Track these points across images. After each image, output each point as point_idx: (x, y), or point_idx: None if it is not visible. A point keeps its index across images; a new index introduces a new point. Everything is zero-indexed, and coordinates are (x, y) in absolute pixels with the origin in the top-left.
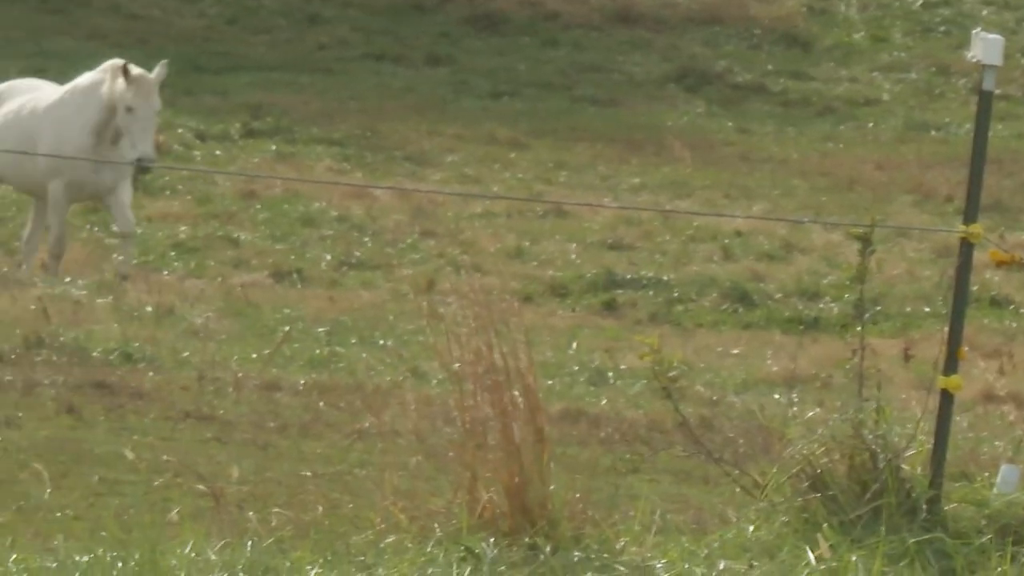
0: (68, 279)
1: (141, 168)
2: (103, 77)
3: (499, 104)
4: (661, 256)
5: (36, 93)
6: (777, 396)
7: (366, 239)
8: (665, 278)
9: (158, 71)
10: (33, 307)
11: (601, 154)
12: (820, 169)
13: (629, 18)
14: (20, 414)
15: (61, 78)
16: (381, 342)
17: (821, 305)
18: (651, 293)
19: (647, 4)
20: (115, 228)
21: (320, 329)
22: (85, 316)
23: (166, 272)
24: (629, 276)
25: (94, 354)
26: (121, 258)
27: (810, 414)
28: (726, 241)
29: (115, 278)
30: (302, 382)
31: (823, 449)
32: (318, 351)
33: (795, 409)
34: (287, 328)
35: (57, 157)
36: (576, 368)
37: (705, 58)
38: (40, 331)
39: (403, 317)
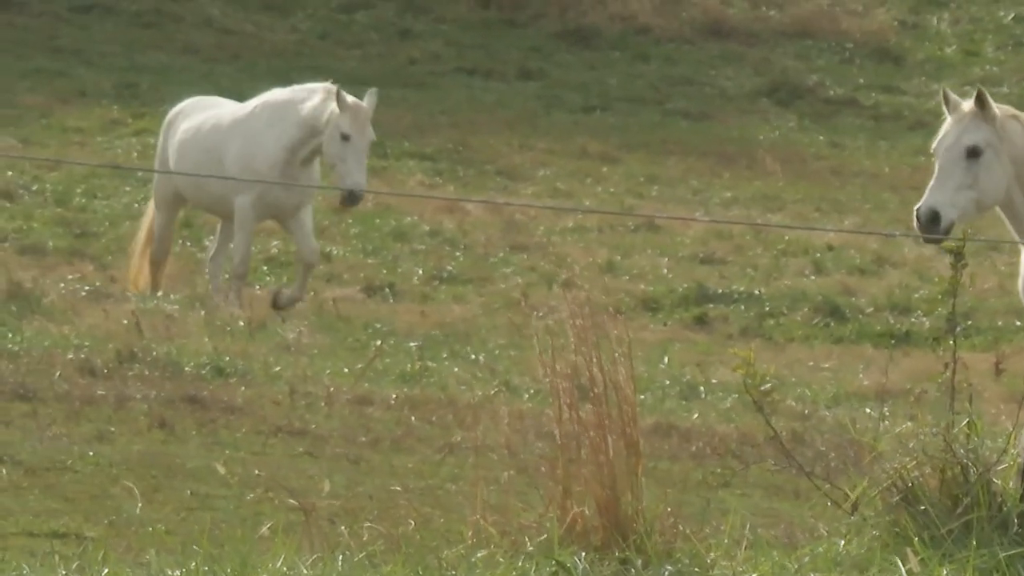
0: (160, 293)
1: (351, 198)
2: (303, 96)
3: (590, 118)
4: (752, 270)
5: (217, 110)
6: (868, 410)
7: (458, 253)
8: (756, 292)
9: (369, 100)
10: (126, 321)
11: (693, 168)
12: (911, 183)
13: (721, 32)
14: (112, 428)
15: (154, 92)
16: (472, 356)
17: (912, 319)
18: (742, 307)
19: (739, 18)
20: (298, 255)
21: (412, 343)
22: (177, 330)
23: (258, 287)
24: (720, 290)
25: (186, 368)
26: (295, 284)
27: (901, 428)
28: (818, 255)
29: (283, 301)
30: (394, 396)
31: (914, 463)
32: (409, 365)
33: (886, 423)
34: (379, 342)
35: (246, 174)
36: (667, 382)
37: (797, 72)
38: (133, 345)
39: (495, 331)
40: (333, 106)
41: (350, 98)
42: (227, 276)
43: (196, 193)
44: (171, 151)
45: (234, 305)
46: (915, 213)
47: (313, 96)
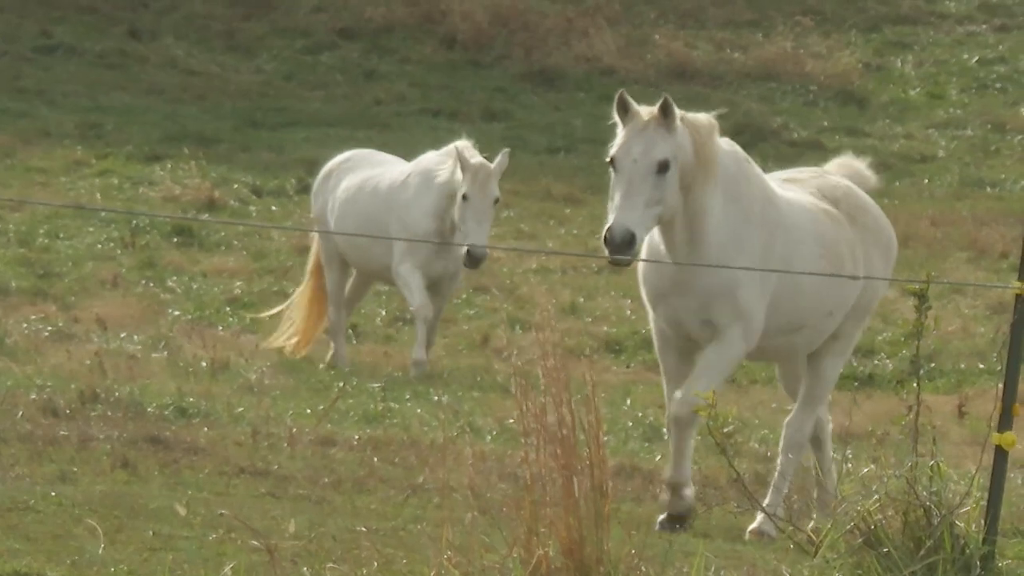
0: (123, 334)
1: (471, 259)
2: (444, 159)
3: (555, 159)
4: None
5: (376, 171)
6: (832, 453)
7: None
8: None
9: (500, 160)
10: (89, 362)
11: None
12: None
13: (685, 74)
14: (75, 469)
15: (118, 133)
16: (435, 398)
17: (876, 361)
18: None
19: (703, 60)
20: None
21: (375, 384)
22: (140, 371)
23: (221, 327)
24: None
25: (149, 409)
26: (421, 344)
27: (865, 470)
28: None
29: (413, 367)
30: (356, 437)
31: (877, 505)
32: (372, 406)
33: (849, 465)
34: (342, 384)
35: (408, 245)
36: (631, 424)
37: (761, 114)
38: (96, 386)
39: (457, 373)
40: (458, 168)
41: (475, 158)
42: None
43: (356, 257)
44: (330, 208)
45: (421, 367)
46: (606, 233)
47: (450, 159)
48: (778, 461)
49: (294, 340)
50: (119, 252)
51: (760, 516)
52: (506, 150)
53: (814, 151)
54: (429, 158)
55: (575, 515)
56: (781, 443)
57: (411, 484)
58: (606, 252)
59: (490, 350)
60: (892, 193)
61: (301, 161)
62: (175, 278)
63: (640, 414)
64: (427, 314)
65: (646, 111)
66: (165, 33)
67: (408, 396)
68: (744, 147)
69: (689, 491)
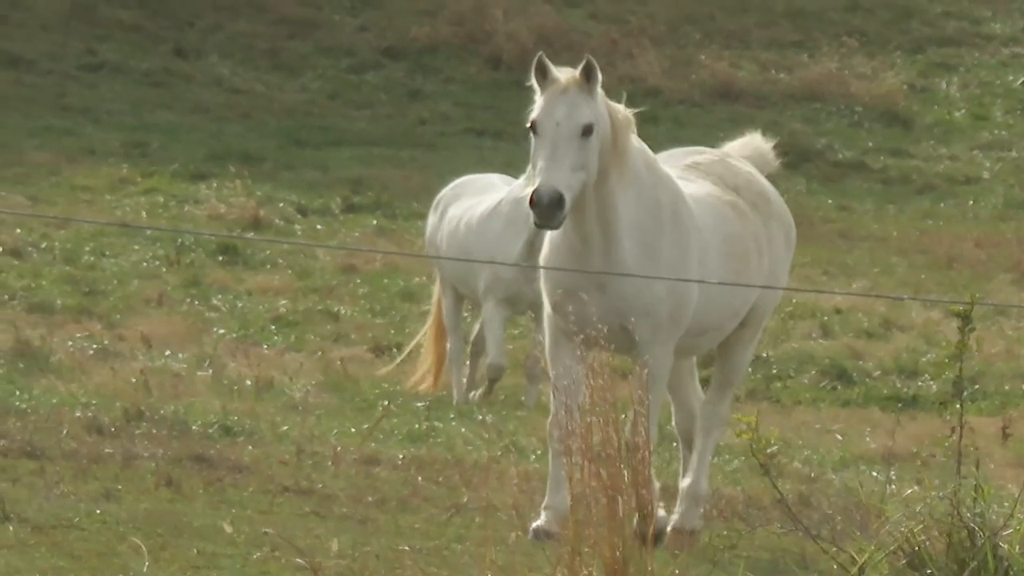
0: (168, 352)
1: None
2: None
3: None
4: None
5: (478, 198)
6: (875, 473)
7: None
8: (764, 355)
9: None
10: (134, 380)
11: None
12: (919, 247)
13: (730, 95)
14: (119, 487)
15: (163, 151)
16: (479, 417)
17: (919, 383)
18: (750, 370)
19: (748, 81)
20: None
21: (419, 404)
22: (185, 389)
23: (266, 346)
24: None
25: (193, 427)
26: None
27: (908, 492)
28: (825, 318)
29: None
30: (401, 456)
31: (921, 527)
32: (417, 426)
33: (893, 487)
34: (386, 402)
35: (491, 276)
36: (674, 444)
37: (806, 135)
38: (140, 404)
39: (501, 391)
40: None
41: None
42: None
43: (464, 288)
44: (440, 239)
45: (470, 401)
46: (533, 195)
47: None
48: (696, 442)
49: (429, 380)
50: (164, 270)
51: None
52: None
53: (858, 172)
54: (522, 182)
55: (619, 535)
56: (699, 424)
57: (455, 503)
58: (532, 215)
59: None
60: (937, 214)
61: (345, 180)
62: (220, 296)
63: None
64: (497, 376)
65: (566, 74)
66: (210, 52)
67: (452, 415)
68: (788, 168)
69: (661, 513)
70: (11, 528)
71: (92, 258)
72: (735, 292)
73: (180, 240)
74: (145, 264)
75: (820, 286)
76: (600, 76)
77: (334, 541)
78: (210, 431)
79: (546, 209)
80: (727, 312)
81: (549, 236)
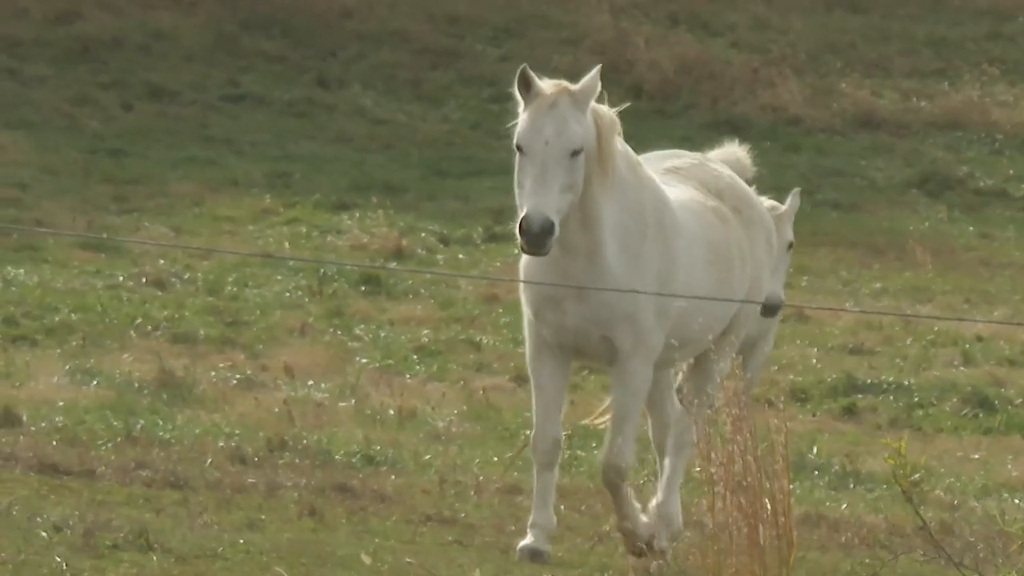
0: (311, 382)
1: (767, 310)
2: None
3: None
4: (902, 361)
5: None
6: (1017, 501)
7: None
8: (906, 383)
9: (791, 201)
10: (277, 410)
11: (842, 259)
12: None
13: (871, 123)
14: (263, 516)
15: (306, 182)
16: None
17: None
18: (891, 398)
19: (889, 109)
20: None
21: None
22: (328, 419)
23: (408, 376)
24: (870, 380)
25: (336, 457)
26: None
27: None
28: (967, 346)
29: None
30: None
31: None
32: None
33: None
34: (528, 432)
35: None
36: (816, 472)
37: (947, 163)
38: (283, 434)
39: (644, 421)
40: None
41: (766, 202)
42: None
43: None
44: None
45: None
46: (522, 223)
47: None
48: (666, 462)
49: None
50: (307, 300)
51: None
52: (797, 190)
53: (1000, 199)
54: None
55: (760, 564)
56: (669, 442)
57: (597, 532)
58: (521, 242)
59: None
60: None
61: (487, 210)
62: (362, 326)
63: (825, 463)
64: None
65: (553, 88)
66: (352, 82)
67: (594, 444)
68: (929, 196)
69: (644, 519)
70: (155, 558)
71: (235, 289)
72: (716, 304)
73: (323, 271)
74: (288, 294)
75: (962, 314)
76: (599, 89)
77: (476, 571)
78: (353, 461)
79: (536, 237)
80: (711, 322)
81: None
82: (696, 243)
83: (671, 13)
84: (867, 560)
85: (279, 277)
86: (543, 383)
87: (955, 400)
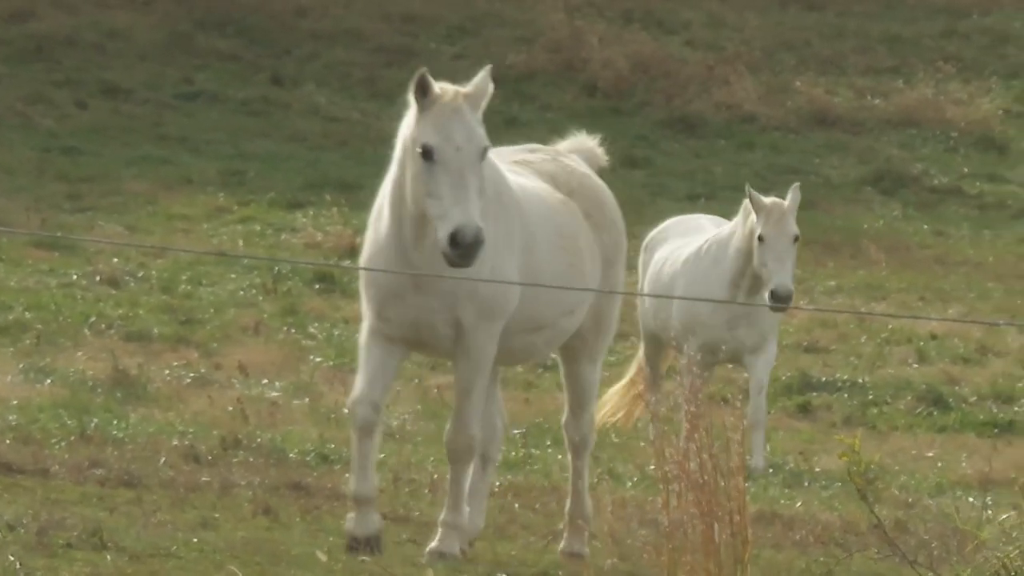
0: (265, 381)
1: (775, 298)
2: (740, 220)
3: (695, 206)
4: (856, 359)
5: (685, 239)
6: (972, 499)
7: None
8: (860, 381)
9: (793, 196)
10: (231, 408)
11: (797, 256)
12: (1016, 272)
13: (826, 121)
14: (217, 515)
15: (260, 180)
16: None
17: (1016, 408)
18: (846, 396)
19: (844, 107)
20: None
21: (516, 431)
22: (282, 417)
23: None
24: (824, 379)
25: (291, 455)
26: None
27: (1004, 517)
28: (921, 344)
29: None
30: (497, 484)
31: (1017, 552)
32: (513, 453)
33: (989, 512)
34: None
35: (689, 322)
36: (771, 470)
37: (901, 161)
38: (237, 432)
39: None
40: (752, 216)
41: (767, 199)
42: None
43: (663, 333)
44: (646, 282)
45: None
46: (455, 235)
47: (740, 217)
48: (570, 462)
49: (620, 415)
50: (261, 299)
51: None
52: (796, 185)
53: (954, 197)
54: (727, 225)
55: (715, 561)
56: (566, 444)
57: (552, 530)
58: (450, 255)
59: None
60: None
61: None
62: (317, 325)
63: (780, 461)
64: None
65: (451, 91)
66: (307, 80)
67: (548, 442)
68: (884, 193)
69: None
70: (109, 557)
71: (189, 287)
72: (569, 286)
73: (277, 269)
74: (242, 293)
75: (916, 312)
76: (491, 91)
77: (429, 570)
78: (307, 459)
79: (470, 248)
80: (560, 308)
81: (372, 235)
82: (543, 225)
83: (626, 11)
84: (821, 558)
85: (233, 275)
86: (373, 362)
87: (909, 398)
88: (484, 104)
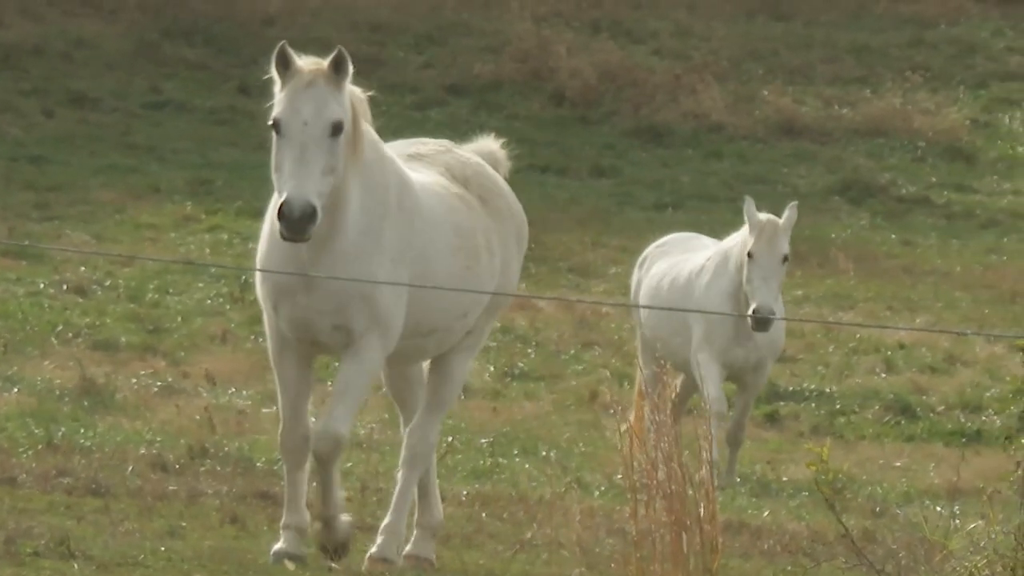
0: (232, 390)
1: (757, 322)
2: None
3: (663, 216)
4: (824, 368)
5: (685, 256)
6: (940, 508)
7: (529, 350)
8: (828, 390)
9: (788, 214)
10: (198, 417)
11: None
12: (983, 282)
13: (793, 130)
14: (184, 524)
15: (228, 189)
16: (544, 453)
17: (984, 418)
18: (813, 405)
19: (811, 116)
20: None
21: (483, 440)
22: (250, 426)
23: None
24: (792, 388)
25: (258, 464)
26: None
27: (972, 527)
28: (889, 353)
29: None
30: (465, 493)
31: (985, 562)
32: (481, 462)
33: (957, 522)
34: (450, 439)
35: (706, 337)
36: (738, 480)
37: (869, 170)
38: (205, 441)
39: (566, 428)
40: (745, 230)
41: (762, 215)
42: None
43: (661, 348)
44: (641, 297)
45: (727, 480)
46: (283, 208)
47: (740, 235)
48: (399, 475)
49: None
50: (228, 307)
51: (415, 535)
52: (793, 203)
53: (922, 207)
54: (732, 237)
55: (684, 571)
56: (403, 454)
57: (519, 540)
58: (280, 228)
59: (598, 405)
60: (1000, 249)
61: None
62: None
63: (748, 470)
64: (721, 409)
65: (310, 65)
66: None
67: (516, 452)
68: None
69: (345, 517)
70: (76, 566)
71: (156, 296)
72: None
73: (244, 277)
74: (209, 301)
75: (884, 321)
76: (351, 69)
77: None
78: (275, 468)
79: (297, 223)
80: (456, 311)
81: (268, 232)
82: (440, 227)
83: (593, 20)
84: (789, 567)
85: (201, 284)
86: (287, 379)
87: (877, 407)
88: (347, 82)
